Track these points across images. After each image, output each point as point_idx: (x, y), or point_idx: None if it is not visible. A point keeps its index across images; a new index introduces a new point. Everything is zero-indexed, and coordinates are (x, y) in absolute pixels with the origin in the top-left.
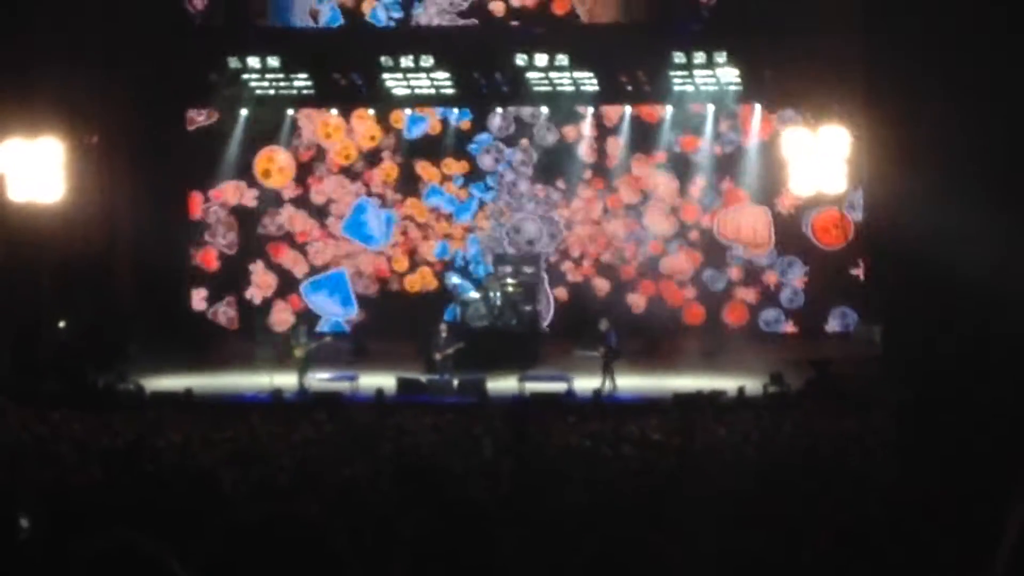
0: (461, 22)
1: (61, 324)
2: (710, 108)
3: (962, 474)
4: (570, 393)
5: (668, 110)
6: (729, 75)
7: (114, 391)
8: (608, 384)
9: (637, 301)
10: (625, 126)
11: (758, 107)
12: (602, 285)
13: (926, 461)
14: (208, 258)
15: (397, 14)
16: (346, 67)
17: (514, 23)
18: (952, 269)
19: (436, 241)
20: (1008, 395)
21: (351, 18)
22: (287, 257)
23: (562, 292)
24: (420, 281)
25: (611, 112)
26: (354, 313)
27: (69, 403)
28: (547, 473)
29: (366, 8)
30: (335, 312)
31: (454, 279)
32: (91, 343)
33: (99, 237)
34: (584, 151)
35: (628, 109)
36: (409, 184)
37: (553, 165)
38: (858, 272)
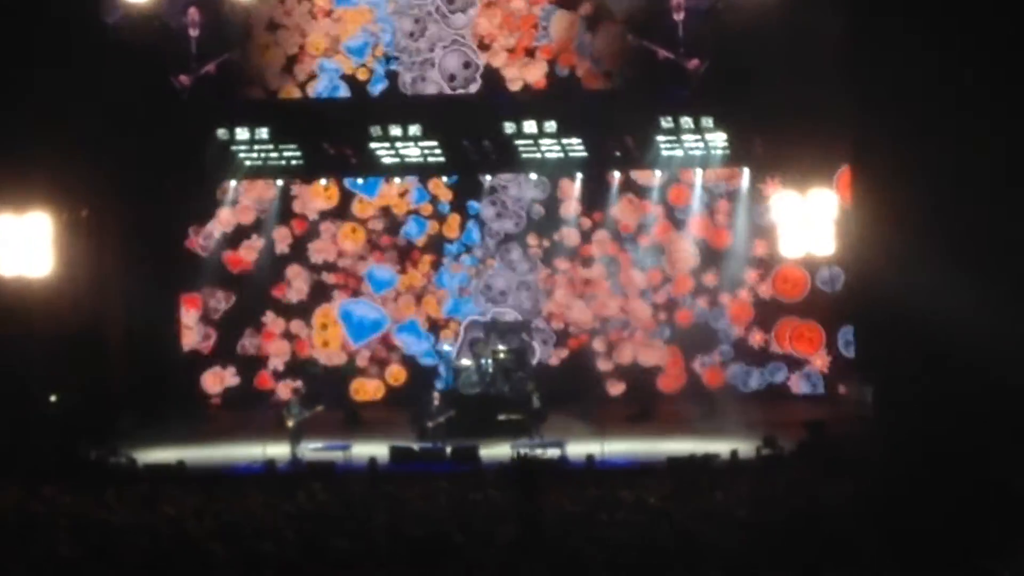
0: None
1: (52, 398)
2: (698, 172)
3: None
4: (564, 458)
5: (657, 175)
6: (717, 140)
7: (106, 464)
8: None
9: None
10: (613, 193)
11: (746, 171)
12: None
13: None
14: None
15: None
16: (335, 137)
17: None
18: (942, 333)
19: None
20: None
21: (353, 88)
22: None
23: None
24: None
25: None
26: None
27: (61, 477)
28: (548, 541)
29: (362, 76)
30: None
31: (445, 346)
32: (82, 417)
33: (89, 310)
34: (571, 215)
35: (617, 175)
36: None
37: (540, 229)
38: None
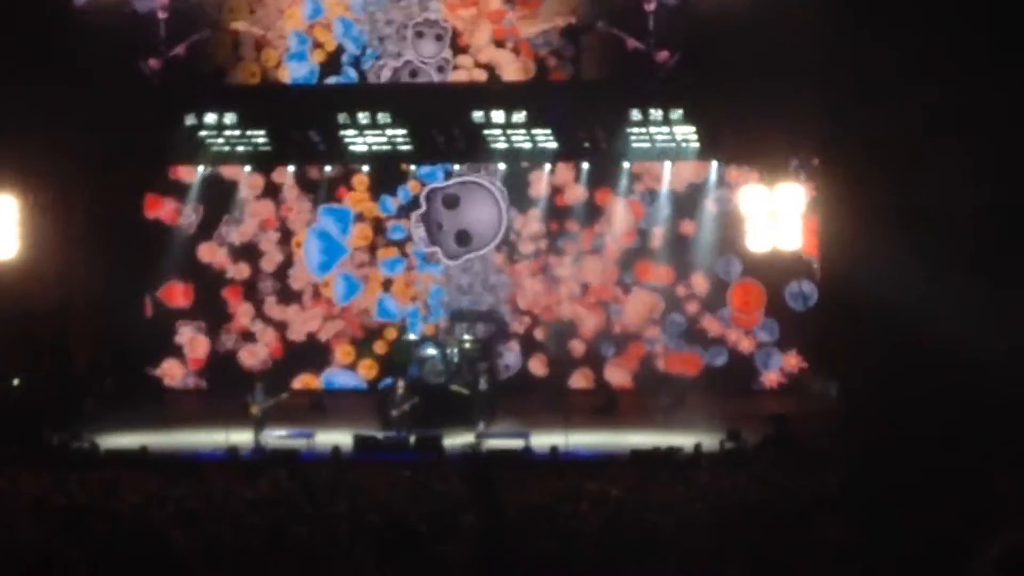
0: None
1: (15, 381)
2: (667, 165)
3: (915, 534)
4: (528, 449)
5: (625, 166)
6: (686, 132)
7: (68, 449)
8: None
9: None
10: (582, 185)
11: (715, 164)
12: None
13: (877, 522)
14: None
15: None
16: (303, 124)
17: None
18: (909, 327)
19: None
20: (963, 451)
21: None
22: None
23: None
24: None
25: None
26: None
27: (23, 461)
28: (511, 530)
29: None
30: None
31: (412, 335)
32: (46, 401)
33: (55, 294)
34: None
35: (586, 166)
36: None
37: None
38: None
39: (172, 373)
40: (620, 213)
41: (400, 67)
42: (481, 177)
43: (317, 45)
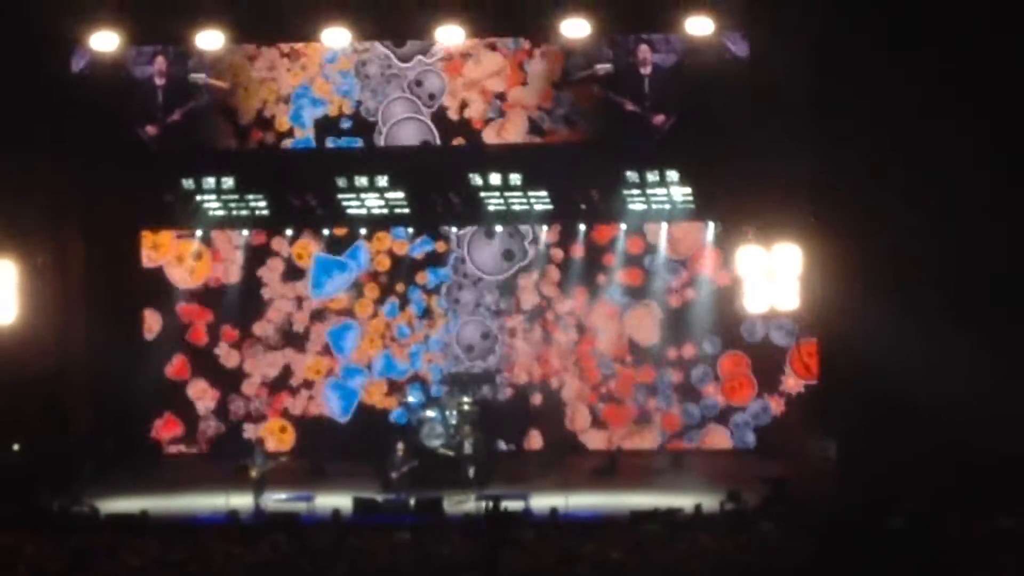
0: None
1: (15, 447)
2: (663, 227)
3: None
4: (527, 511)
5: (622, 228)
6: (682, 193)
7: (68, 513)
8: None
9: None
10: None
11: (711, 224)
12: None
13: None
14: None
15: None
16: (301, 188)
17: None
18: (906, 385)
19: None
20: (958, 511)
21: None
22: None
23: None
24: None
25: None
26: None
27: (22, 526)
28: None
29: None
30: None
31: (410, 397)
32: (45, 465)
33: (52, 358)
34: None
35: (582, 227)
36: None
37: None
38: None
39: (172, 436)
40: (617, 274)
41: (397, 121)
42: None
43: (314, 107)
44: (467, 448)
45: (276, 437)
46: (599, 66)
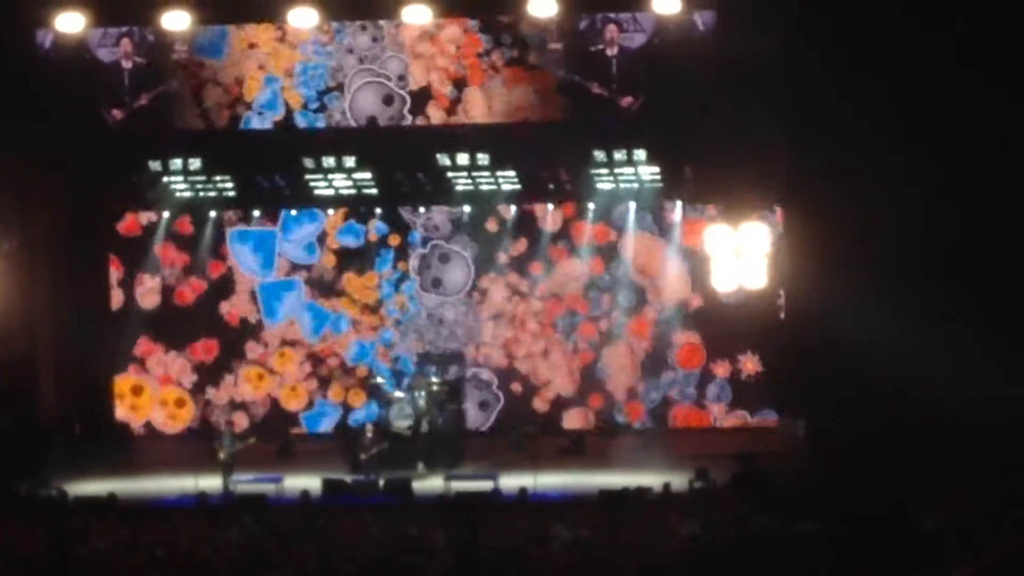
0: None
1: None
2: (631, 205)
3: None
4: (496, 491)
5: (590, 207)
6: (649, 172)
7: (36, 497)
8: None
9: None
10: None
11: (679, 204)
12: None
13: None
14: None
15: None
16: (268, 169)
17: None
18: (874, 363)
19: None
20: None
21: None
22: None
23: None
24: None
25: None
26: None
27: None
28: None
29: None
30: None
31: (379, 378)
32: (12, 449)
33: (20, 341)
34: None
35: (550, 207)
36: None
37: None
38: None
39: (140, 418)
40: (580, 261)
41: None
42: (455, 244)
43: (282, 89)
44: (436, 429)
45: (252, 385)
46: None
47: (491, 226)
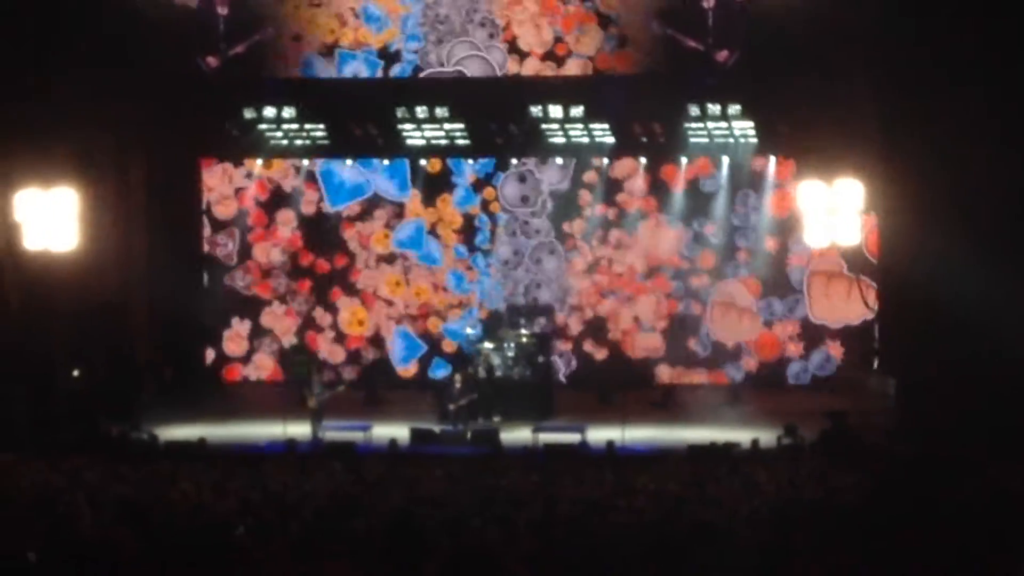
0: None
1: (75, 373)
2: (724, 160)
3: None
4: (584, 444)
5: (683, 162)
6: (744, 127)
7: (127, 440)
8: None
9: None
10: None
11: (772, 159)
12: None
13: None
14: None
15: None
16: (361, 117)
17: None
18: (969, 322)
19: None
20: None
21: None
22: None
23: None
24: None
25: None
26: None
27: (82, 452)
28: (566, 525)
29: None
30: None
31: (469, 329)
32: (105, 392)
33: (113, 286)
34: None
35: (643, 161)
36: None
37: (566, 216)
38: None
39: (232, 364)
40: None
41: (462, 58)
42: (550, 197)
43: (377, 38)
44: (524, 381)
45: (353, 329)
46: None
47: (586, 178)
